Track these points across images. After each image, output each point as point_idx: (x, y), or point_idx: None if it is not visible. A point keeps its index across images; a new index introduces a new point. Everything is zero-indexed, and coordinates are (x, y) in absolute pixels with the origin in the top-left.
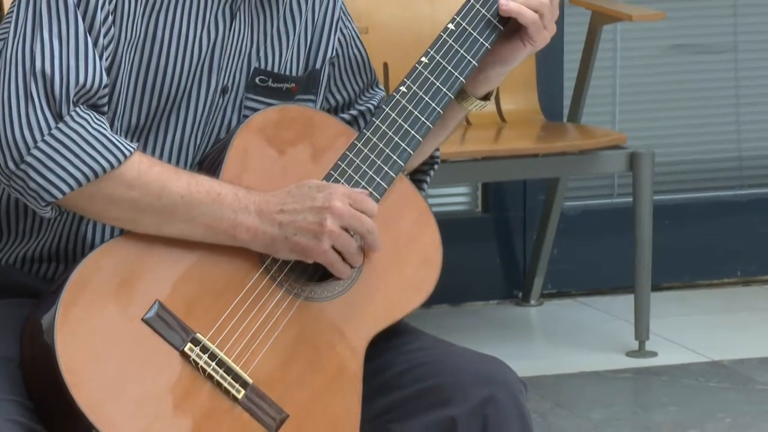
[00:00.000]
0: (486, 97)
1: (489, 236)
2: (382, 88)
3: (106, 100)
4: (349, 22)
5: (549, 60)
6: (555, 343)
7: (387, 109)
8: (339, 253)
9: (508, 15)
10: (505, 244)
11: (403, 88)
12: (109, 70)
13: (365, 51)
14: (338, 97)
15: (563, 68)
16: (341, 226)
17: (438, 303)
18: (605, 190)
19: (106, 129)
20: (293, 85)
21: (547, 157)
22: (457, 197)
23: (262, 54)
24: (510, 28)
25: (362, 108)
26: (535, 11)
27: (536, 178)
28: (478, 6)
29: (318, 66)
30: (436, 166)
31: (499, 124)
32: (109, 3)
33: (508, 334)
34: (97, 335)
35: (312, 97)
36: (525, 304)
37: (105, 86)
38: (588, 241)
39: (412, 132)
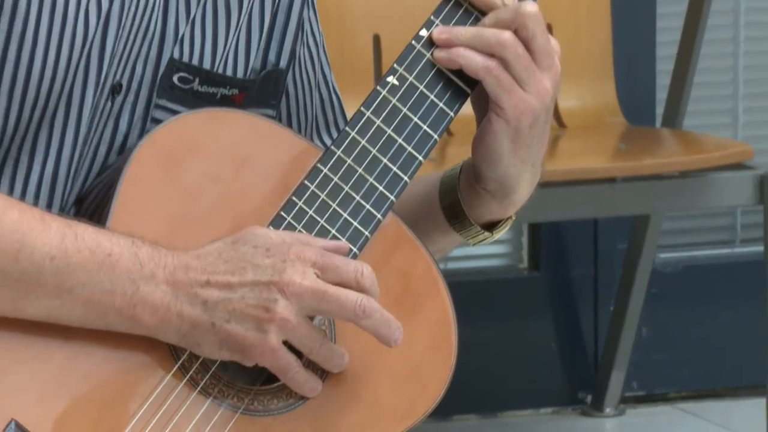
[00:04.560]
0: (491, 227)
1: (540, 308)
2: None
3: None
4: (316, 19)
5: (632, 28)
6: None
7: (368, 114)
8: (297, 352)
9: (446, 65)
10: (564, 319)
11: (392, 80)
12: None
13: (338, 95)
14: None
15: (655, 43)
16: (304, 312)
17: (461, 413)
18: (722, 233)
19: None
20: (236, 91)
21: (631, 182)
22: (491, 247)
23: (184, 35)
24: (479, 110)
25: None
26: (492, 54)
27: (614, 215)
28: (420, 49)
29: (283, 64)
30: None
31: (555, 130)
32: None
33: None
34: None
35: (270, 112)
36: (597, 414)
37: None
38: (695, 314)
39: (409, 148)
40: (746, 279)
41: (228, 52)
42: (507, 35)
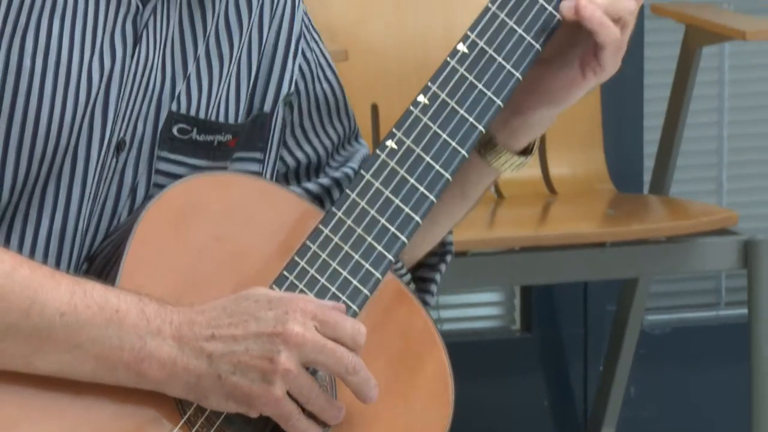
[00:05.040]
0: (526, 151)
1: (532, 367)
2: (364, 142)
3: None
4: (316, 42)
5: (621, 101)
6: None
7: (367, 176)
8: (300, 402)
9: (586, 25)
10: (555, 378)
11: (391, 144)
12: None
13: (340, 86)
14: (299, 155)
15: (643, 113)
16: (303, 362)
17: None
18: (708, 296)
19: None
20: (230, 137)
21: (620, 246)
22: (484, 308)
23: (181, 91)
24: (555, 49)
25: (336, 175)
26: (618, 21)
27: (603, 279)
28: (502, 15)
29: (267, 108)
30: (448, 258)
31: (547, 196)
32: None
33: None
34: None
35: (258, 155)
36: None
37: None
38: (681, 374)
39: (406, 210)
40: (731, 341)
41: (220, 100)
42: (634, 4)
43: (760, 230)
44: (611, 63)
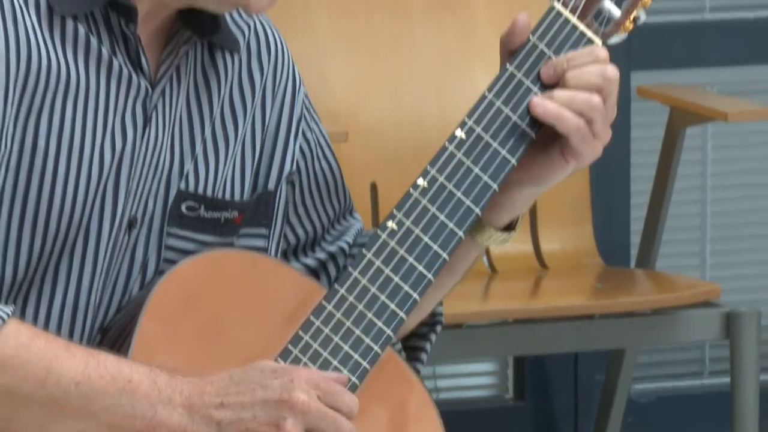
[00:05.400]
0: (509, 227)
1: None
2: (359, 217)
3: None
4: (316, 123)
5: (609, 179)
6: None
7: (369, 255)
8: None
9: (542, 120)
10: None
11: (391, 224)
12: None
13: (337, 164)
14: (299, 231)
15: (629, 191)
16: (307, 429)
17: None
18: (692, 366)
19: None
20: (236, 214)
21: (608, 318)
22: (478, 378)
23: (189, 170)
24: (546, 134)
25: (332, 249)
26: (581, 115)
27: (592, 349)
28: (498, 103)
29: (271, 186)
30: (438, 328)
31: (538, 271)
32: None
33: None
34: None
35: (264, 231)
36: None
37: None
38: None
39: (405, 287)
40: (715, 409)
41: (226, 178)
42: (597, 100)
43: (741, 302)
44: (585, 150)
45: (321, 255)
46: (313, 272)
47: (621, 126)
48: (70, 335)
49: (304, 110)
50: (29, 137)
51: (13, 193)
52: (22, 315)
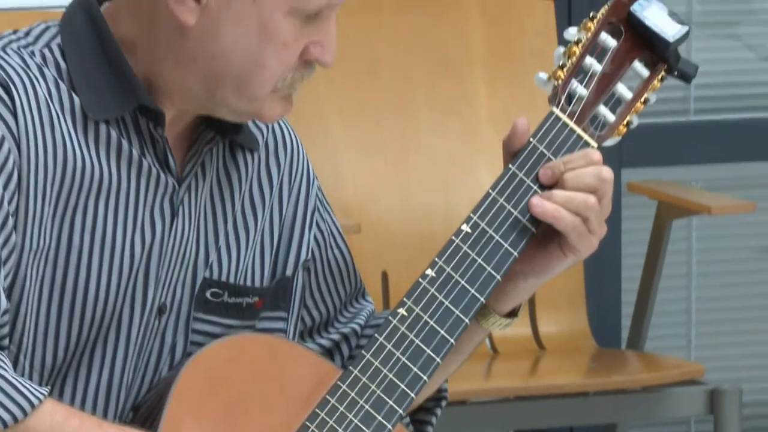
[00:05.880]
0: (512, 314)
1: None
2: (371, 300)
3: (7, 330)
4: (328, 214)
5: (602, 267)
6: None
7: (381, 339)
8: None
9: (541, 219)
10: None
11: (402, 311)
12: (10, 292)
13: (349, 251)
14: (314, 314)
15: (620, 278)
16: None
17: None
18: None
19: (7, 370)
20: (257, 299)
21: (601, 396)
22: None
23: (213, 260)
24: (545, 229)
25: (345, 330)
26: (578, 215)
27: (586, 424)
28: (501, 200)
29: (289, 272)
30: (443, 403)
31: (536, 352)
32: (8, 203)
33: None
34: None
35: (283, 314)
36: None
37: (5, 312)
38: None
39: (414, 369)
40: None
41: (247, 266)
42: (592, 201)
43: (724, 380)
44: (582, 245)
45: (335, 336)
46: (328, 352)
47: (613, 218)
48: (105, 414)
49: (318, 202)
50: (65, 233)
51: (52, 285)
52: (60, 396)
